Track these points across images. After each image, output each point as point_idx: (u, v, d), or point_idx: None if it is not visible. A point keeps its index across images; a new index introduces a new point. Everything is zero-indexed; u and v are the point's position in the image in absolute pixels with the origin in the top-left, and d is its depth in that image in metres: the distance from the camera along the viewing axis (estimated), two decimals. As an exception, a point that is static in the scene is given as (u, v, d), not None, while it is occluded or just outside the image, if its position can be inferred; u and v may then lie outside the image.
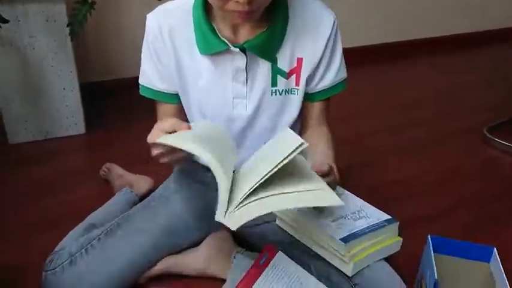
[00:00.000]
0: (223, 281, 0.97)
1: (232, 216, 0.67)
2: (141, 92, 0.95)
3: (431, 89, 2.40)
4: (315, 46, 0.88)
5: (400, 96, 2.29)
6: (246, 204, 0.67)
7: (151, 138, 0.72)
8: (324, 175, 0.76)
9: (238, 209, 0.67)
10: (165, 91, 0.92)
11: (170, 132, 0.72)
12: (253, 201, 0.67)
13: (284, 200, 0.67)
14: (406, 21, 2.83)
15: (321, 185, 0.69)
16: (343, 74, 0.95)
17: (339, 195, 0.98)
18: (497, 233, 1.26)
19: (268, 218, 1.00)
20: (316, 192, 0.68)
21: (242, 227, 1.03)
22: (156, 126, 0.74)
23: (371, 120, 1.98)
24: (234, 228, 0.64)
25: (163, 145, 0.71)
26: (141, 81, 0.94)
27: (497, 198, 1.44)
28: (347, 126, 1.82)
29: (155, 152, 0.74)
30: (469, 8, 2.99)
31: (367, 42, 2.68)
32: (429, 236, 0.92)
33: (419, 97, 2.28)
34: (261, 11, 0.76)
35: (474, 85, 2.44)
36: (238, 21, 0.79)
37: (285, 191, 0.67)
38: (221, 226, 1.04)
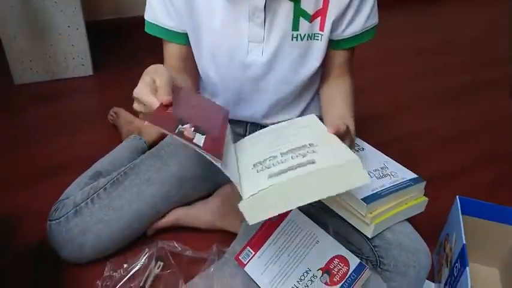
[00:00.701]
0: (234, 235, 0.93)
1: (252, 203, 0.58)
2: (147, 29, 0.86)
3: (456, 35, 2.24)
4: None
5: (426, 42, 2.15)
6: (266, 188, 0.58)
7: (137, 92, 0.63)
8: (340, 136, 0.67)
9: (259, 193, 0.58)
10: (173, 29, 0.83)
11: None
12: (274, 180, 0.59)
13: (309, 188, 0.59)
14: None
15: (348, 156, 0.60)
16: (374, 20, 0.84)
17: (361, 149, 0.92)
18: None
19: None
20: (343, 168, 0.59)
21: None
22: (142, 79, 0.65)
23: (395, 66, 1.87)
24: (251, 222, 0.57)
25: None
26: (146, 16, 0.85)
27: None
28: (370, 71, 1.72)
29: (137, 107, 0.65)
30: None
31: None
32: (457, 197, 0.86)
33: (447, 43, 2.14)
34: None
35: (504, 33, 2.27)
36: None
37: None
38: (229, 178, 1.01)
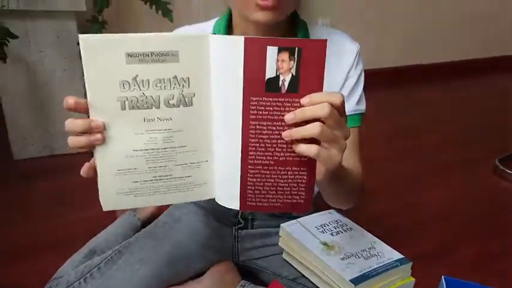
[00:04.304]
0: (226, 315, 0.93)
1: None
2: None
3: (441, 114, 2.37)
4: (336, 75, 0.84)
5: (407, 121, 2.26)
6: None
7: None
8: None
9: None
10: None
11: None
12: None
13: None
14: (416, 45, 2.83)
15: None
16: (363, 106, 0.90)
17: (349, 229, 0.96)
18: (508, 270, 1.21)
19: (275, 251, 0.98)
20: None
21: (248, 258, 1.02)
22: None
23: (377, 145, 1.94)
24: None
25: None
26: None
27: (509, 233, 1.39)
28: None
29: None
30: (484, 34, 2.99)
31: (375, 66, 2.67)
32: (443, 277, 0.88)
33: (427, 122, 2.25)
34: (284, 12, 0.73)
35: (486, 112, 2.41)
36: (260, 18, 0.71)
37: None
38: (223, 256, 1.03)
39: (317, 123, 0.52)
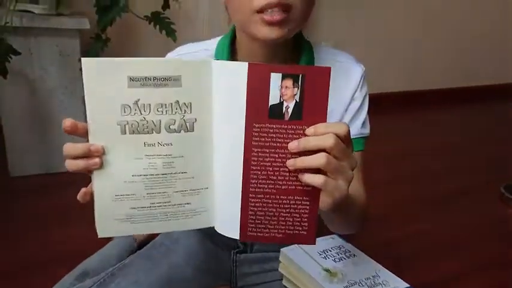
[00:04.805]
0: None
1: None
2: None
3: (446, 141, 2.35)
4: (341, 97, 0.83)
5: (411, 146, 2.24)
6: None
7: None
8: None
9: None
10: None
11: None
12: None
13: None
14: (419, 70, 2.84)
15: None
16: (367, 130, 0.88)
17: (353, 256, 0.92)
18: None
19: (275, 277, 0.94)
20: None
21: (246, 284, 0.98)
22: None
23: (381, 171, 1.92)
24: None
25: None
26: None
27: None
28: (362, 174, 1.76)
29: None
30: (493, 60, 3.00)
31: (378, 90, 2.67)
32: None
33: (432, 148, 2.23)
34: (291, 29, 0.69)
35: (492, 139, 2.40)
36: (267, 35, 0.67)
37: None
38: (220, 281, 0.99)
39: (323, 154, 0.51)
